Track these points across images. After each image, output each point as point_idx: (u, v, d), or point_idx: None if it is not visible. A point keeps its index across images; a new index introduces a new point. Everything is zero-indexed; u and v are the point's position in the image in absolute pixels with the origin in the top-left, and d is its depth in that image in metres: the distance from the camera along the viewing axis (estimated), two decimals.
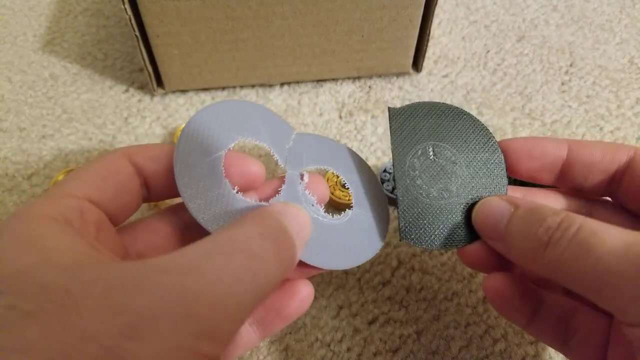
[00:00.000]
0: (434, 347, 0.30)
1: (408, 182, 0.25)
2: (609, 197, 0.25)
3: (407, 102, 0.41)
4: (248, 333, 0.24)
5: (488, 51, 0.45)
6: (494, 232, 0.23)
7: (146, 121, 0.39)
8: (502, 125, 0.40)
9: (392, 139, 0.26)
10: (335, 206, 0.34)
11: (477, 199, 0.25)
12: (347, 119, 0.40)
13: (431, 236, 0.25)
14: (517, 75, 0.43)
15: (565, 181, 0.25)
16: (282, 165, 0.26)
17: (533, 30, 0.47)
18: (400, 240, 0.25)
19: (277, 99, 0.41)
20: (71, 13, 0.46)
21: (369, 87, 0.42)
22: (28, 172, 0.36)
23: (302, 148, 0.27)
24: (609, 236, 0.19)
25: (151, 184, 0.23)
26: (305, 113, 0.40)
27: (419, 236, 0.24)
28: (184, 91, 0.41)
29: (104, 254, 0.18)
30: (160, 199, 0.25)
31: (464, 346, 0.30)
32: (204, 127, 0.24)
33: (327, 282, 0.32)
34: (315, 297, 0.31)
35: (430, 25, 0.38)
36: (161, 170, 0.23)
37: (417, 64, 0.42)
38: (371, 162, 0.37)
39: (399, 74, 0.43)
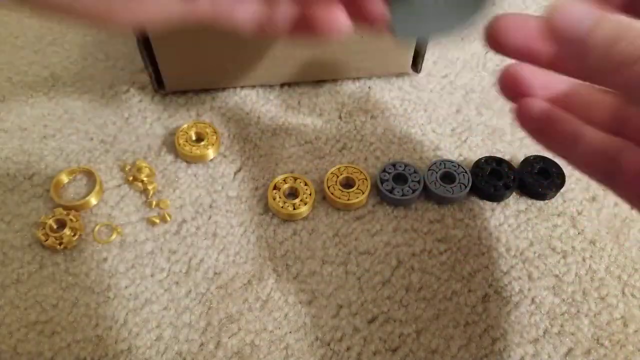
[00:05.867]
0: (434, 346, 0.30)
1: None
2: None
3: (406, 103, 0.41)
4: None
5: (487, 52, 0.45)
6: (572, 33, 0.21)
7: (147, 121, 0.39)
8: (501, 125, 0.40)
9: None
10: (335, 206, 0.35)
11: None
12: (347, 119, 0.40)
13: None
14: None
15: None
16: None
17: None
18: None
19: (277, 99, 0.41)
20: None
21: (369, 87, 0.42)
22: (29, 172, 0.36)
23: None
24: None
25: None
26: (305, 113, 0.40)
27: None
28: (184, 91, 0.41)
29: None
30: None
31: (463, 345, 0.30)
32: None
33: (326, 281, 0.32)
34: (315, 297, 0.32)
35: None
36: None
37: (416, 65, 0.42)
38: (370, 161, 0.37)
39: (398, 75, 0.43)
